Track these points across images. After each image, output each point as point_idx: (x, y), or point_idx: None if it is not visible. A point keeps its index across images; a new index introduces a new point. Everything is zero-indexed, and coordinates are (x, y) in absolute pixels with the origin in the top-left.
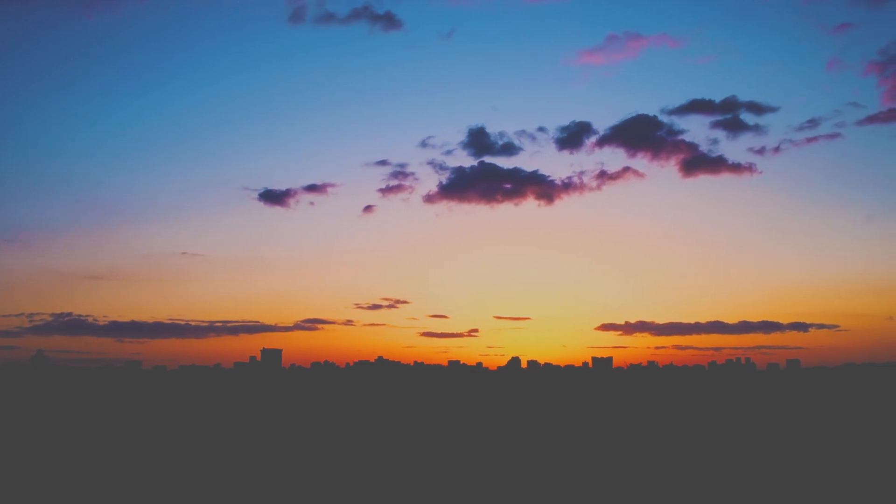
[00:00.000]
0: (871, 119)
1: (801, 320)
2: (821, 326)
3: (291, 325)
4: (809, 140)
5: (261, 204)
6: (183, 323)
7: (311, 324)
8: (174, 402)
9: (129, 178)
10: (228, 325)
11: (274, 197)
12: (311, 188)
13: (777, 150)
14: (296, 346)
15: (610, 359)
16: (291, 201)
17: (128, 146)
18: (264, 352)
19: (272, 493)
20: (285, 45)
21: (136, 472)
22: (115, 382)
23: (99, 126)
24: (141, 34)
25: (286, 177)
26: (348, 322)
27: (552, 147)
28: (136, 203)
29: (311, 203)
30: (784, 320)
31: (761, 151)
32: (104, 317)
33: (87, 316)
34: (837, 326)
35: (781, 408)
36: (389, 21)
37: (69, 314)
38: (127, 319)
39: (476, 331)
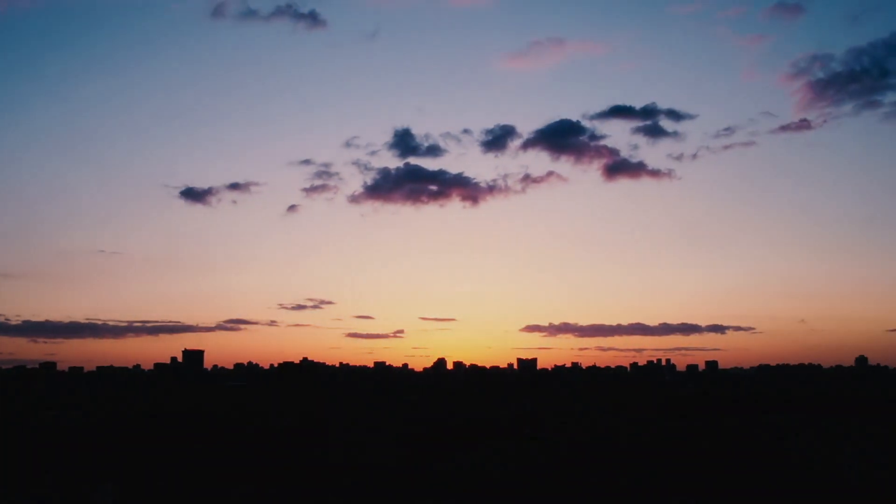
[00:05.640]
0: (784, 128)
1: (719, 322)
2: (737, 329)
3: (214, 325)
4: (725, 147)
5: (182, 202)
6: (100, 323)
7: (233, 324)
8: (91, 405)
9: (44, 175)
10: (148, 325)
11: (195, 195)
12: (234, 187)
13: (695, 156)
14: (218, 346)
15: (535, 360)
16: (213, 200)
17: (42, 142)
18: (185, 353)
19: (195, 496)
20: (207, 41)
21: (51, 475)
22: (28, 384)
23: (10, 121)
24: (54, 27)
25: (208, 175)
26: (272, 322)
27: (477, 149)
28: (50, 200)
29: (234, 202)
30: (702, 322)
31: (680, 157)
32: (17, 316)
33: None
34: (753, 329)
35: (699, 408)
36: (313, 20)
37: None
38: (41, 319)
39: (402, 332)
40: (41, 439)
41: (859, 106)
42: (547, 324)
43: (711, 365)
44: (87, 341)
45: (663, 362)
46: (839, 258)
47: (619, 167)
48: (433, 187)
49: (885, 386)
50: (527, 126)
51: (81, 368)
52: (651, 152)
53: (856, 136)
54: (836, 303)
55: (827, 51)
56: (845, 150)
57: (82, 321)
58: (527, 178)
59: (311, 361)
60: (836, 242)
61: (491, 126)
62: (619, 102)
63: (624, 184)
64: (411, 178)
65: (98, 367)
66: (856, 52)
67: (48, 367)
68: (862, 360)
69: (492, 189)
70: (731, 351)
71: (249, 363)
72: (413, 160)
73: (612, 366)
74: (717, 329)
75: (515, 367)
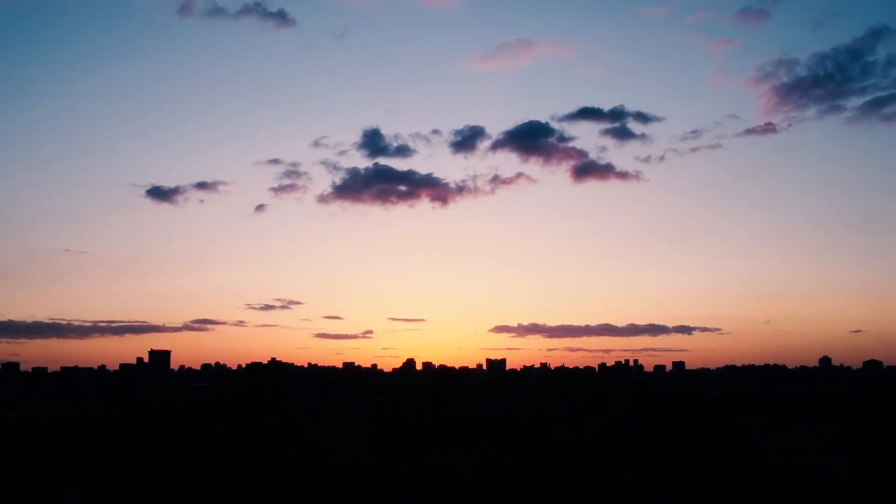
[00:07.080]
0: (750, 131)
1: (686, 323)
2: (704, 329)
3: (180, 325)
4: (692, 150)
5: (148, 201)
6: (65, 322)
7: (201, 324)
8: (56, 406)
9: (8, 173)
10: (113, 324)
11: (162, 194)
12: (202, 186)
13: (662, 158)
14: (185, 346)
15: (504, 361)
16: (180, 199)
17: (6, 141)
18: (152, 353)
19: (163, 499)
20: (173, 39)
21: (15, 477)
22: None
23: None
24: (17, 26)
25: (175, 174)
26: (240, 323)
27: (446, 150)
28: (15, 198)
29: (202, 201)
30: (669, 323)
31: (647, 160)
32: None
33: None
34: (719, 329)
35: (667, 408)
36: (282, 18)
37: None
38: (4, 319)
39: (371, 332)
40: (5, 441)
41: (823, 110)
42: (516, 324)
43: (678, 365)
44: (51, 341)
45: (631, 363)
46: (804, 260)
47: (587, 169)
48: (402, 188)
49: (848, 386)
50: (496, 127)
51: (45, 369)
52: (619, 154)
53: (820, 140)
54: (800, 304)
55: (792, 56)
56: (809, 153)
57: (46, 321)
58: (496, 179)
59: (280, 362)
60: (800, 244)
61: (460, 127)
62: (588, 104)
63: (592, 185)
64: (380, 179)
65: (62, 368)
66: (820, 57)
67: (11, 367)
68: (826, 360)
69: (461, 190)
70: (697, 351)
71: (217, 364)
72: (382, 160)
73: (581, 366)
74: (684, 330)
75: (485, 367)
